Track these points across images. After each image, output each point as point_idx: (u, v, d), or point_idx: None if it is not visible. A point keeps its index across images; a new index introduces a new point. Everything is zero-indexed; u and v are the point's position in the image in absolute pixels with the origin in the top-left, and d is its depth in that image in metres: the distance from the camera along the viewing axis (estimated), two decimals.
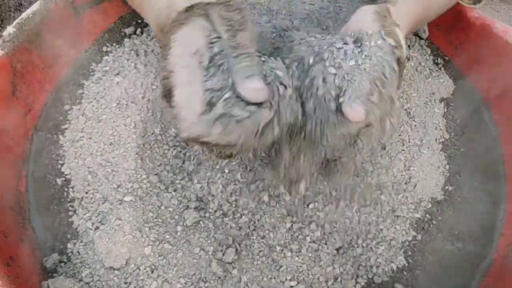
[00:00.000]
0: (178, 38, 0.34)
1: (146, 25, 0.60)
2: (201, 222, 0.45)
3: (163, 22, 0.37)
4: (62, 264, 0.43)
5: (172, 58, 0.33)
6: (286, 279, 0.42)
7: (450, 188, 0.48)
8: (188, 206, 0.45)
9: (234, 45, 0.34)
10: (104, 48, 0.57)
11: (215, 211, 0.45)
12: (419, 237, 0.44)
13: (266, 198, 0.45)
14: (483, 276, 0.43)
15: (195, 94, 0.32)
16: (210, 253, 0.42)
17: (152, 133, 0.50)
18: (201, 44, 0.33)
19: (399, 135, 0.49)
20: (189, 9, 0.35)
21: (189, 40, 0.34)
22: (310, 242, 0.43)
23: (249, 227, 0.44)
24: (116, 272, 0.42)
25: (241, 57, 0.33)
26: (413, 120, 0.50)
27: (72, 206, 0.47)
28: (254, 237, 0.44)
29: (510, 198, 0.47)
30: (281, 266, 0.43)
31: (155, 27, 0.40)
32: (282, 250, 0.43)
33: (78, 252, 0.44)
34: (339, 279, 0.42)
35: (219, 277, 0.41)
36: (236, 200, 0.45)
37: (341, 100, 0.33)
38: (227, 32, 0.34)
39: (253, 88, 0.31)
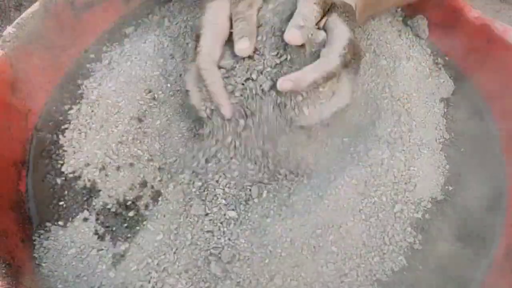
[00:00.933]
0: (207, 10, 0.45)
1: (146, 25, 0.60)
2: (201, 222, 0.45)
3: None
4: None
5: (204, 18, 0.44)
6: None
7: (450, 188, 0.48)
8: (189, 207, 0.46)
9: (235, 13, 0.43)
10: (104, 48, 0.57)
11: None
12: (419, 237, 0.44)
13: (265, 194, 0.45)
14: (483, 276, 0.43)
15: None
16: (209, 253, 0.42)
17: None
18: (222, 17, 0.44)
19: (399, 135, 0.49)
20: None
21: (215, 13, 0.44)
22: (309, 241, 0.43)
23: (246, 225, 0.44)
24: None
25: (238, 21, 0.43)
26: (413, 120, 0.50)
27: None
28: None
29: (510, 198, 0.47)
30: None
31: None
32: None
33: None
34: (339, 280, 0.41)
35: (219, 278, 0.41)
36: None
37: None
38: (232, 4, 0.44)
39: (239, 48, 0.42)
